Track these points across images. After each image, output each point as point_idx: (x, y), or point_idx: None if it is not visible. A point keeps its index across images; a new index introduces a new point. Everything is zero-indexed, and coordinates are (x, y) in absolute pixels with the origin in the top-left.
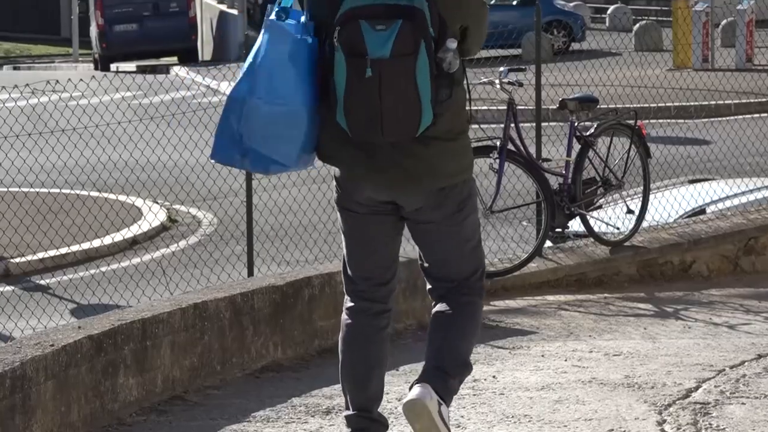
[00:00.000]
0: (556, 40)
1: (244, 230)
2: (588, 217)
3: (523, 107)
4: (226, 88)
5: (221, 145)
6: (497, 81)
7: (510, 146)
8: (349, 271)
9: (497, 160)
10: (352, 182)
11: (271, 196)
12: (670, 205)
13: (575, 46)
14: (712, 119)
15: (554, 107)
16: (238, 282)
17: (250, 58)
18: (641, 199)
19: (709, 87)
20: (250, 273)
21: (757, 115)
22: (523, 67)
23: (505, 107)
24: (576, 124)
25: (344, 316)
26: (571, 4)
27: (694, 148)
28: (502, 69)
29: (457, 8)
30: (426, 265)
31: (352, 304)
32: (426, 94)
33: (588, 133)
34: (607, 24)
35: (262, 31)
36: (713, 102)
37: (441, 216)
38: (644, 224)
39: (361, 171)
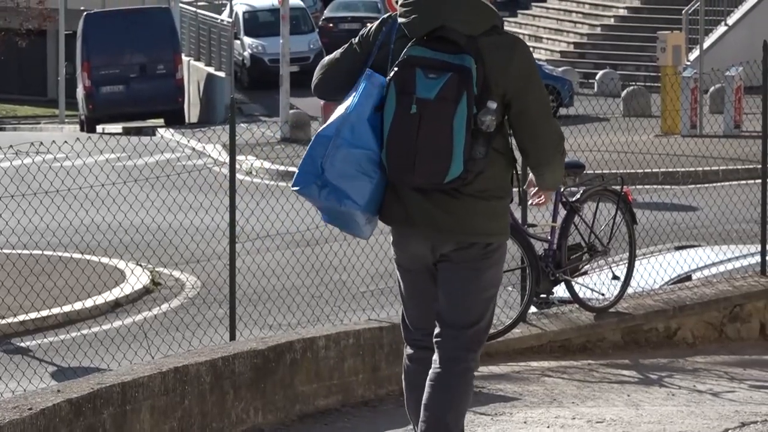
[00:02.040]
0: None
1: (227, 293)
2: (573, 283)
3: None
4: (212, 150)
5: (304, 176)
6: None
7: None
8: (406, 322)
9: None
10: (398, 237)
11: (255, 260)
12: (655, 271)
13: (563, 111)
14: (699, 185)
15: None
16: (219, 346)
17: (346, 102)
18: (627, 265)
19: (696, 153)
20: (232, 337)
21: (744, 182)
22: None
23: None
24: (562, 189)
25: (405, 361)
26: (560, 69)
27: (680, 214)
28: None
29: (501, 75)
30: (439, 311)
31: (411, 351)
32: (459, 143)
33: (574, 199)
34: (595, 89)
35: (362, 79)
36: (701, 168)
37: (465, 258)
38: (629, 290)
39: (403, 224)
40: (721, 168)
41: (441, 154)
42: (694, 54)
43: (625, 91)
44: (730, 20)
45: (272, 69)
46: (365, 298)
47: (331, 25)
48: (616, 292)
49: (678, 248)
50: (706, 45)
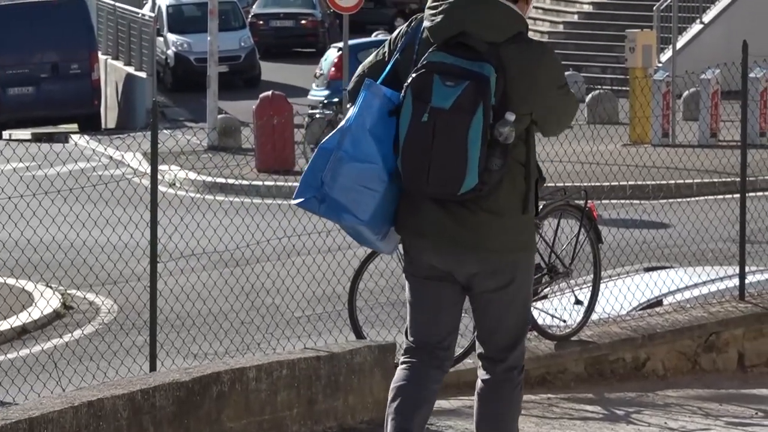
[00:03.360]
0: None
1: (146, 319)
2: (532, 308)
3: None
4: (131, 159)
5: (305, 188)
6: None
7: None
8: (409, 335)
9: None
10: (411, 247)
11: (178, 281)
12: (623, 295)
13: None
14: (672, 200)
15: None
16: (138, 377)
17: (348, 114)
18: (591, 288)
19: (668, 164)
20: (153, 367)
21: (721, 197)
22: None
23: None
24: None
25: (400, 368)
26: None
27: (650, 232)
28: None
29: (524, 86)
30: (477, 332)
31: (409, 361)
32: (474, 155)
33: None
34: None
35: (362, 89)
36: (673, 181)
37: (495, 285)
38: (594, 317)
39: (416, 234)
40: (695, 181)
41: (455, 165)
42: (667, 55)
43: (589, 96)
44: (706, 17)
45: (199, 69)
46: (301, 324)
47: (260, 22)
48: (579, 319)
49: (648, 270)
50: (679, 45)
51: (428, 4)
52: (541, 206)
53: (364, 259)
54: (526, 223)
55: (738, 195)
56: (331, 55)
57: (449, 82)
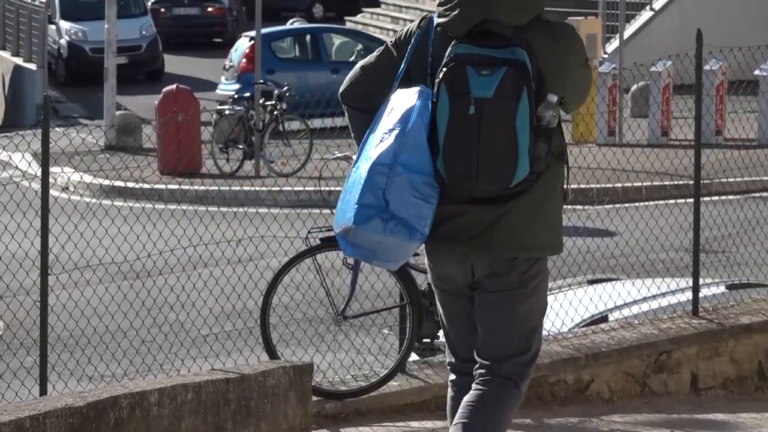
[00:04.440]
0: None
1: (36, 337)
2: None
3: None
4: (20, 160)
5: (365, 210)
6: (354, 156)
7: None
8: (447, 347)
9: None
10: (434, 257)
11: (72, 296)
12: (564, 310)
13: None
14: (618, 205)
15: None
16: (27, 402)
17: (395, 122)
18: None
19: (615, 166)
20: (43, 391)
21: (673, 201)
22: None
23: None
24: None
25: (450, 389)
26: None
27: (595, 240)
28: None
29: (557, 67)
30: (480, 338)
31: (455, 377)
32: (524, 142)
33: None
34: None
35: (415, 96)
36: (620, 184)
37: (500, 286)
38: None
39: (448, 240)
40: (644, 184)
41: (506, 156)
42: (613, 45)
43: None
44: (657, 4)
45: (95, 60)
46: (208, 342)
47: (162, 10)
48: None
49: (592, 282)
50: (627, 34)
51: (439, 0)
52: None
53: (278, 271)
54: (560, 221)
55: (691, 200)
56: (242, 45)
57: (484, 71)
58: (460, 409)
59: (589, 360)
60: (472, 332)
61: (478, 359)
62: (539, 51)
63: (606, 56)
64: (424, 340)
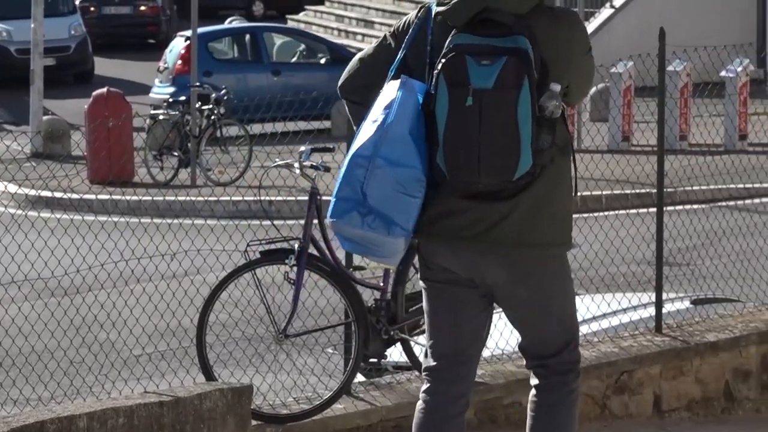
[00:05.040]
0: None
1: None
2: (413, 343)
3: (330, 198)
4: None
5: (343, 203)
6: (297, 164)
7: (312, 250)
8: (428, 349)
9: (294, 269)
10: (431, 252)
11: None
12: None
13: None
14: (576, 216)
15: None
16: None
17: (379, 114)
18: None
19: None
20: None
21: (635, 211)
22: (332, 146)
23: (306, 198)
24: None
25: (419, 401)
26: None
27: None
28: (303, 148)
29: (560, 55)
30: (520, 340)
31: (428, 385)
32: (526, 134)
33: None
34: None
35: (397, 87)
36: (579, 193)
37: (527, 292)
38: (485, 353)
39: (446, 238)
40: (604, 193)
41: (508, 147)
42: None
43: None
44: (618, 1)
45: (20, 62)
46: (140, 363)
47: (92, 9)
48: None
49: None
50: None
51: None
52: None
53: (215, 287)
54: (570, 215)
55: (654, 209)
56: (177, 45)
57: (485, 60)
58: (534, 421)
59: None
60: (463, 326)
61: (527, 359)
62: (542, 38)
63: None
64: (371, 360)
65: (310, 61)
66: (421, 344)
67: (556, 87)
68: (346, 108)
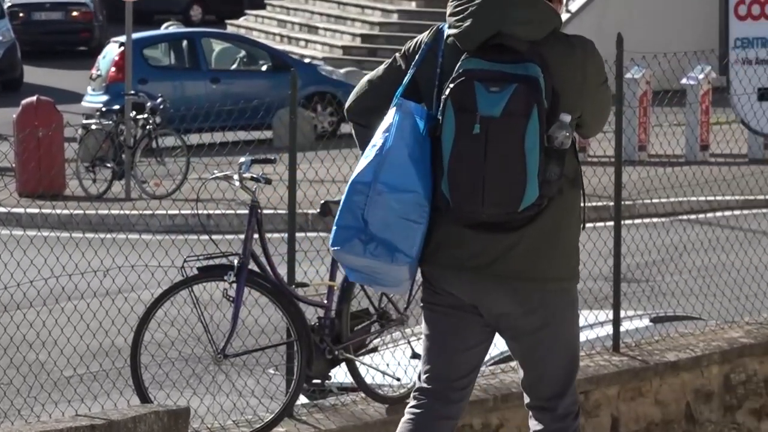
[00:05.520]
0: (320, 120)
1: None
2: (358, 363)
3: (271, 212)
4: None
5: (344, 231)
6: (236, 176)
7: (252, 266)
8: (422, 373)
9: (233, 285)
10: (435, 273)
11: None
12: None
13: (346, 128)
14: None
15: (315, 212)
16: None
17: (378, 138)
18: None
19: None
20: None
21: (591, 225)
22: (273, 158)
23: (246, 212)
24: None
25: (406, 415)
26: (342, 71)
27: None
28: (243, 159)
29: (572, 84)
30: (521, 376)
31: (418, 402)
32: (533, 164)
33: None
34: None
35: (393, 112)
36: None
37: (534, 325)
38: None
39: (452, 268)
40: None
41: (514, 178)
42: None
43: None
44: (573, 5)
45: None
46: (72, 385)
47: (21, 14)
48: (416, 376)
49: None
50: None
51: (450, 10)
52: None
53: (150, 305)
54: (577, 246)
55: (611, 223)
56: (111, 52)
57: (494, 87)
58: None
59: (497, 402)
60: (461, 354)
61: (528, 398)
62: (554, 67)
63: None
64: (314, 381)
65: (250, 69)
66: (367, 365)
67: (567, 117)
68: (353, 131)
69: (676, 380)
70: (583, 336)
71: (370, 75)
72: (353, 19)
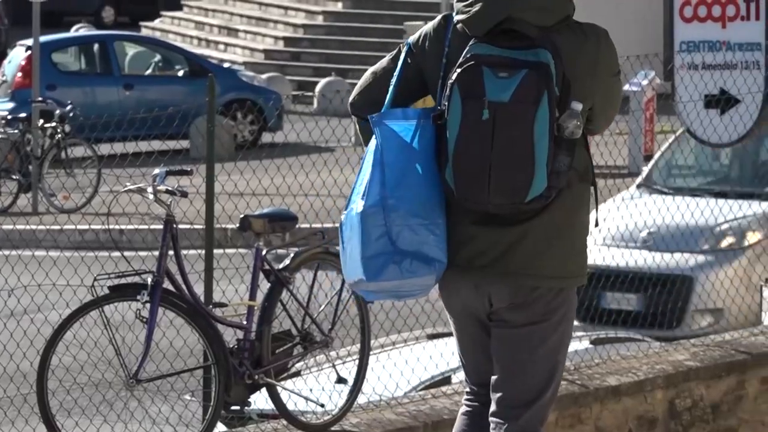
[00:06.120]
0: (240, 129)
1: None
2: (279, 388)
3: (187, 227)
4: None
5: (374, 260)
6: (150, 189)
7: (167, 284)
8: (465, 377)
9: (147, 305)
10: (445, 282)
11: None
12: (399, 371)
13: (267, 137)
14: None
15: (234, 227)
16: None
17: (369, 156)
18: (357, 362)
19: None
20: None
21: None
22: (190, 169)
23: (161, 227)
24: (264, 252)
25: (461, 409)
26: (263, 77)
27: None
28: (157, 171)
29: (584, 72)
30: (494, 378)
31: (468, 402)
32: (542, 154)
33: (281, 266)
34: (315, 105)
35: (373, 127)
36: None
37: (523, 319)
38: (361, 399)
39: (456, 266)
40: None
41: (521, 166)
42: None
43: None
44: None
45: None
46: None
47: None
48: (341, 402)
49: (432, 337)
50: None
51: None
52: (291, 256)
53: (58, 326)
54: (585, 244)
55: None
56: (17, 56)
57: (502, 73)
58: None
59: (428, 429)
60: (488, 362)
61: (492, 399)
62: (566, 54)
63: None
64: (233, 408)
65: (166, 74)
66: (289, 390)
67: (578, 106)
68: (356, 126)
69: (618, 406)
70: None
71: (373, 67)
72: (275, 21)
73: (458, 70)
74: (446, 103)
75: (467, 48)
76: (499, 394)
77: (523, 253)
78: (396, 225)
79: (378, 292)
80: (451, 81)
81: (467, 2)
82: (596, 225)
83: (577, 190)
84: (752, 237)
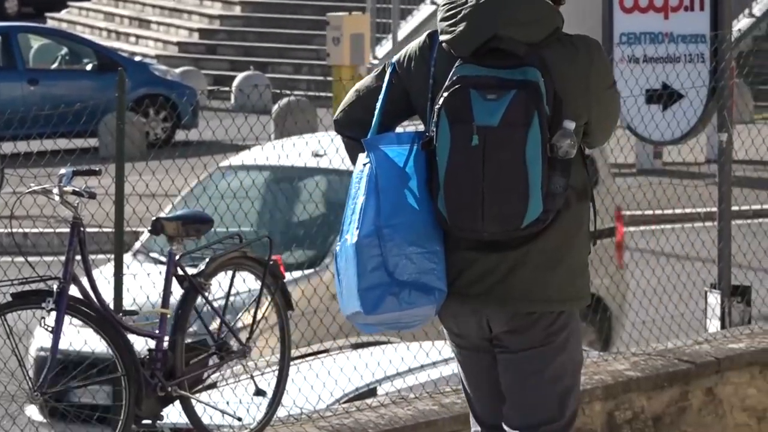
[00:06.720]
0: (152, 126)
1: None
2: (194, 401)
3: (95, 230)
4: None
5: (371, 292)
6: (56, 190)
7: (74, 291)
8: (471, 413)
9: (53, 313)
10: (444, 312)
11: None
12: (321, 382)
13: (181, 135)
14: None
15: (145, 230)
16: None
17: (357, 184)
18: (277, 373)
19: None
20: None
21: None
22: (98, 169)
23: (67, 230)
24: (177, 256)
25: None
26: (177, 71)
27: None
28: (64, 171)
29: (576, 88)
30: (506, 406)
31: None
32: (536, 177)
33: (196, 272)
34: (232, 101)
35: (366, 150)
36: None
37: (523, 344)
38: (281, 412)
39: (453, 294)
40: None
41: (515, 192)
42: (385, 47)
43: (277, 105)
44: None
45: None
46: None
47: None
48: (260, 416)
49: (357, 347)
50: (402, 34)
51: (441, 15)
52: (206, 261)
53: None
54: (585, 265)
55: None
56: None
57: (491, 95)
58: None
59: None
60: (498, 395)
61: (506, 429)
62: (556, 70)
63: (376, 61)
64: (144, 422)
65: (73, 68)
66: (204, 402)
67: (570, 125)
68: (343, 145)
69: None
70: (449, 369)
71: (358, 84)
72: (190, 12)
73: (445, 94)
74: (434, 129)
75: (453, 69)
76: (511, 422)
77: (522, 279)
78: (393, 255)
79: (376, 325)
80: (438, 106)
81: (451, 21)
82: (594, 244)
83: (576, 209)
84: None
